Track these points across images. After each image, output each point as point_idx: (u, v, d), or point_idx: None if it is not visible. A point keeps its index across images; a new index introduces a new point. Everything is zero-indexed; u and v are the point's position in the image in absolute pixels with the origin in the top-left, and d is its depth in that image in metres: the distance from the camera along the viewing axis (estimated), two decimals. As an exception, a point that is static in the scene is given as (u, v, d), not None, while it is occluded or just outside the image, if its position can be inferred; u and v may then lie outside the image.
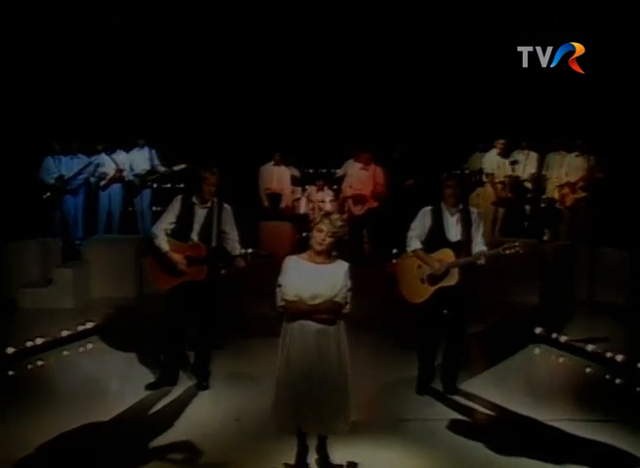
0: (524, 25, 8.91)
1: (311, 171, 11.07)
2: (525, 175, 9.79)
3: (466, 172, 10.18)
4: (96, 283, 8.27)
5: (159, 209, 9.44)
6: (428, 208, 5.35)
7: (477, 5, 9.76)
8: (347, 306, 4.04)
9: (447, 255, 5.13)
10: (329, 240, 3.94)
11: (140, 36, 10.26)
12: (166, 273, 5.38)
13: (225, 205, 5.52)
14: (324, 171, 11.15)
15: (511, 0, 9.60)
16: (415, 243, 5.28)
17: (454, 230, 5.23)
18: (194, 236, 5.39)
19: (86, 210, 9.98)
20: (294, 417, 4.03)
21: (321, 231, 3.94)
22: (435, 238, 5.24)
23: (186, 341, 5.69)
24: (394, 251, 9.35)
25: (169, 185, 10.71)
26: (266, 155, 10.26)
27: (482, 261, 5.15)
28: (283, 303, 4.01)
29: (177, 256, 5.32)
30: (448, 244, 5.19)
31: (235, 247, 5.51)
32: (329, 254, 4.01)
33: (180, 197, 5.52)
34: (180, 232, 5.42)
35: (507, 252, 4.99)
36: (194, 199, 5.45)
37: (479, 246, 5.20)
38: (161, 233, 5.39)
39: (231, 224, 5.52)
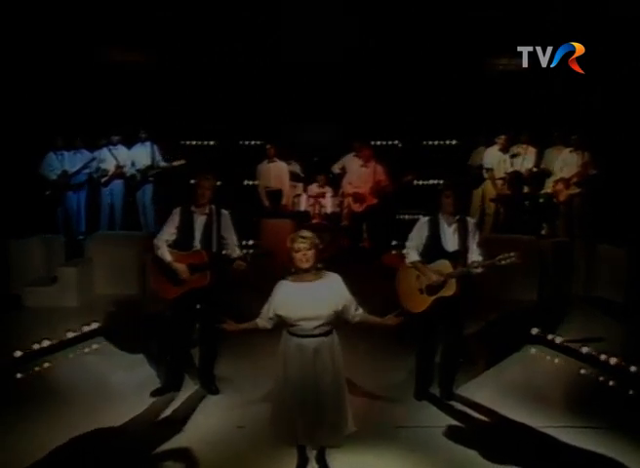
0: (524, 25, 8.87)
1: (316, 159, 10.96)
2: (523, 169, 9.76)
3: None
4: (99, 281, 8.36)
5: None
6: (426, 218, 5.40)
7: (477, 4, 9.73)
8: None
9: (445, 267, 5.20)
10: (310, 253, 3.97)
11: (141, 32, 10.23)
12: (171, 283, 5.48)
13: (223, 211, 5.63)
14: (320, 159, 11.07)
15: (511, 0, 9.57)
16: (413, 255, 5.35)
17: (451, 240, 5.28)
18: (196, 243, 5.50)
19: (88, 205, 10.03)
20: (289, 431, 4.13)
21: (299, 250, 3.96)
22: (432, 248, 5.30)
23: (190, 347, 5.82)
24: (394, 243, 9.46)
25: (168, 177, 10.73)
26: (263, 152, 10.22)
27: (479, 270, 5.21)
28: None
29: (179, 266, 5.43)
30: (445, 254, 5.25)
31: (234, 250, 5.63)
32: (316, 269, 4.03)
33: (178, 208, 5.61)
34: (182, 241, 5.52)
35: (503, 262, 5.04)
36: (193, 208, 5.55)
37: (474, 255, 5.26)
38: (163, 244, 5.50)
39: (230, 229, 5.63)
